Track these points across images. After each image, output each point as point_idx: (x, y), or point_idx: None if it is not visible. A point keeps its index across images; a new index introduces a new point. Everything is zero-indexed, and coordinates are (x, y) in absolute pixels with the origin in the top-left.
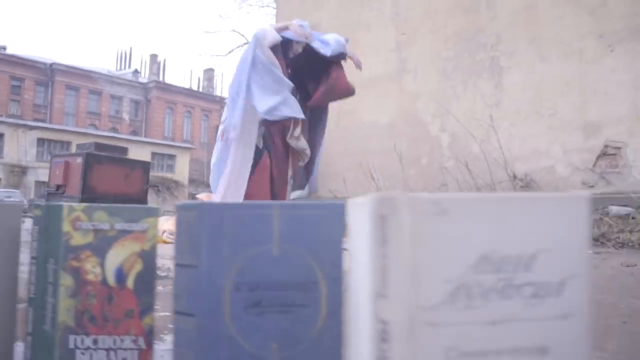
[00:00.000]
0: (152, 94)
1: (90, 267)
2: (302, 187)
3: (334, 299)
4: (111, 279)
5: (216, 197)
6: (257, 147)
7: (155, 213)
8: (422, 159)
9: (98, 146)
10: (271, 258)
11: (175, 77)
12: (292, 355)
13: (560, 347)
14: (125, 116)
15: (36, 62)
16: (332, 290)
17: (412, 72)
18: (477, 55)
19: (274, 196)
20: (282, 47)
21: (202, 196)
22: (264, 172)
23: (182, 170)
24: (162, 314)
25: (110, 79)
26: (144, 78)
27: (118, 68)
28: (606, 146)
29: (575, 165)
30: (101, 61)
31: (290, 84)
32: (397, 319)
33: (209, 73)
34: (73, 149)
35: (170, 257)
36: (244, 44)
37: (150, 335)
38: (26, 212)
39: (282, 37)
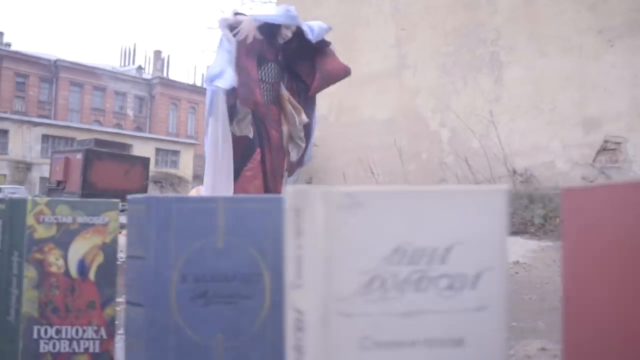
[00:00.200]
0: (156, 90)
1: (54, 260)
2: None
3: (277, 291)
4: (74, 271)
5: (205, 187)
6: (250, 140)
7: (115, 207)
8: (422, 154)
9: (98, 142)
10: (216, 250)
11: (179, 73)
12: (237, 344)
13: (475, 338)
14: (130, 112)
15: (40, 58)
16: (275, 282)
17: (412, 67)
18: (477, 51)
19: (267, 190)
20: (269, 34)
21: (195, 191)
22: (257, 167)
23: (186, 166)
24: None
25: (114, 75)
26: (148, 74)
27: (122, 64)
28: (606, 141)
29: (575, 160)
30: (105, 58)
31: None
32: (312, 308)
33: None
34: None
35: None
36: None
37: (111, 326)
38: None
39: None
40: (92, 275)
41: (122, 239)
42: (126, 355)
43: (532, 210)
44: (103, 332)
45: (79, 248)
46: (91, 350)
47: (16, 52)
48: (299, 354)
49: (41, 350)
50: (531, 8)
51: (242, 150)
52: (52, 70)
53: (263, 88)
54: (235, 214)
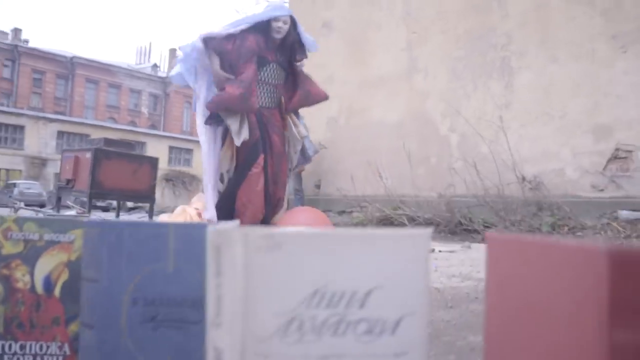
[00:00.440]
0: (170, 88)
1: (20, 276)
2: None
3: None
4: (39, 287)
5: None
6: (254, 145)
7: (80, 225)
8: (431, 159)
9: (107, 142)
10: (166, 275)
11: None
12: None
13: None
14: (144, 110)
15: (57, 55)
16: None
17: (423, 71)
18: (488, 55)
19: (267, 197)
20: (265, 33)
21: (196, 198)
22: (260, 172)
23: (199, 164)
24: None
25: (130, 73)
26: (162, 72)
27: (137, 62)
28: (617, 149)
29: (584, 168)
30: (121, 55)
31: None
32: (230, 348)
33: None
34: None
35: None
36: None
37: (75, 342)
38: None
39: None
40: (57, 291)
41: None
42: None
43: (541, 218)
44: (67, 348)
45: (45, 265)
46: None
47: (34, 49)
48: None
49: None
50: (543, 13)
51: (245, 154)
52: (68, 67)
53: (265, 89)
54: (186, 239)
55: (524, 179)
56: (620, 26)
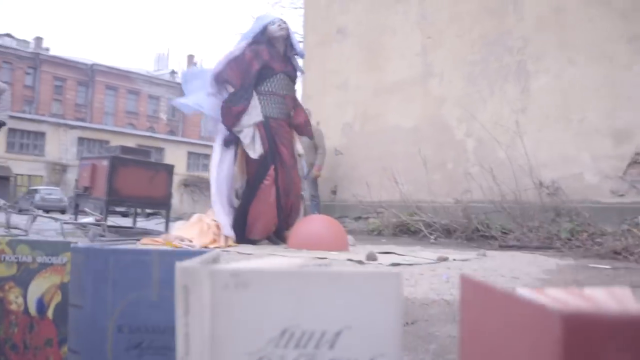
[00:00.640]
0: None
1: (13, 298)
2: None
3: None
4: (32, 309)
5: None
6: (264, 159)
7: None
8: (447, 164)
9: (124, 149)
10: (151, 303)
11: None
12: None
13: None
14: (163, 116)
15: (78, 62)
16: None
17: (438, 76)
18: (504, 59)
19: (279, 210)
20: (269, 43)
21: (196, 217)
22: (271, 184)
23: None
24: None
25: (149, 80)
26: (180, 78)
27: (156, 69)
28: (637, 154)
29: (604, 173)
30: (140, 62)
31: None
32: None
33: None
34: None
35: None
36: None
37: None
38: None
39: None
40: (50, 313)
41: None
42: None
43: (559, 225)
44: None
45: (38, 287)
46: None
47: (55, 57)
48: None
49: None
50: (560, 15)
51: (255, 167)
52: (88, 74)
53: (273, 100)
54: (170, 267)
55: (541, 184)
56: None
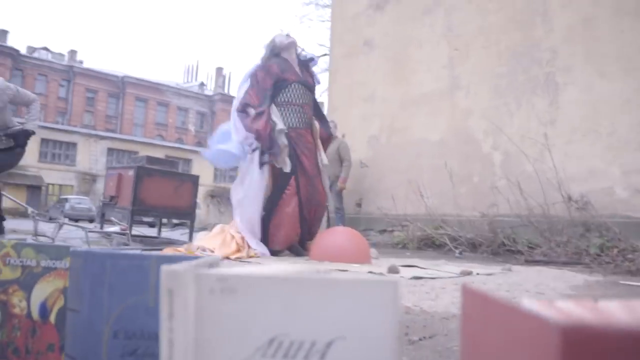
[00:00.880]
0: (217, 106)
1: (17, 301)
2: None
3: None
4: (35, 314)
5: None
6: (283, 171)
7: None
8: (473, 178)
9: (150, 160)
10: (147, 309)
11: None
12: None
13: None
14: (191, 127)
15: (109, 75)
16: None
17: (465, 88)
18: (532, 72)
19: (302, 220)
20: (281, 57)
21: (219, 228)
22: (292, 194)
23: None
24: None
25: (178, 92)
26: (209, 91)
27: (185, 81)
28: None
29: (635, 186)
30: (169, 74)
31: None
32: None
33: None
34: None
35: None
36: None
37: None
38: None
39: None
40: (52, 318)
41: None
42: None
43: (588, 240)
44: None
45: (42, 291)
46: None
47: (87, 69)
48: None
49: None
50: (589, 27)
51: (279, 179)
52: (119, 86)
53: (291, 110)
54: None
55: (570, 198)
56: None
